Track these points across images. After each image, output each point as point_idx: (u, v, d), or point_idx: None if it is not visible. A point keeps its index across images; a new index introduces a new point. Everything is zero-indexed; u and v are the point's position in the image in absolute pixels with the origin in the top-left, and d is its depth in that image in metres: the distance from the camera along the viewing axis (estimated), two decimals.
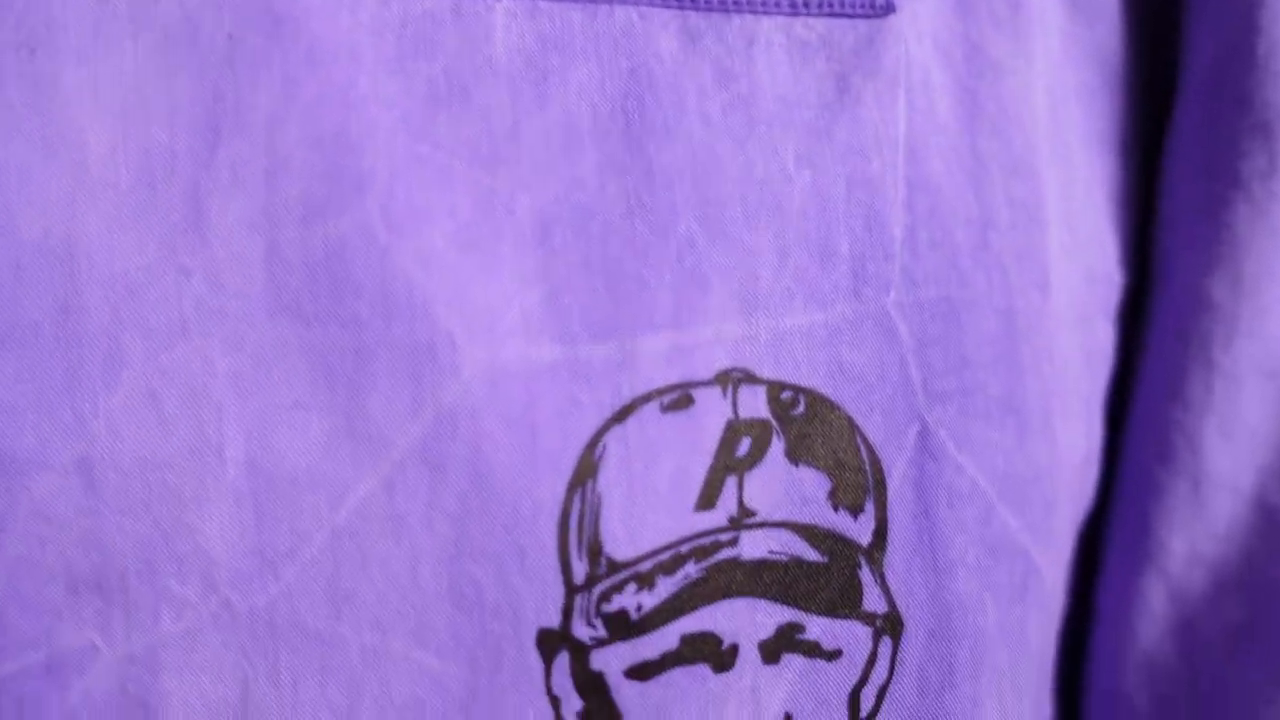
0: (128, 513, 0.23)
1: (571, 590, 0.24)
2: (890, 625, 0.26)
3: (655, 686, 0.24)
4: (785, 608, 0.25)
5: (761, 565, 0.24)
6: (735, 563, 0.24)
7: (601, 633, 0.24)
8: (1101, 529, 0.34)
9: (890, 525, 0.26)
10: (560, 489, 0.23)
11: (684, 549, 0.24)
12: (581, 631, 0.24)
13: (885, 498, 0.26)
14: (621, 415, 0.24)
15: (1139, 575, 0.34)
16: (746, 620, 0.25)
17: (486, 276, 0.23)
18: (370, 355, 0.23)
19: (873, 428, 0.26)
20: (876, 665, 0.26)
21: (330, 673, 0.24)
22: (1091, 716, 0.35)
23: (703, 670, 0.24)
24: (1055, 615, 0.33)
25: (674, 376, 0.24)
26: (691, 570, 0.24)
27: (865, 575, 0.26)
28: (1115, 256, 0.32)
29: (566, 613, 0.24)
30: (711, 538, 0.24)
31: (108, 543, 0.23)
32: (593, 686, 0.24)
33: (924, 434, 0.27)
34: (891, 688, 0.27)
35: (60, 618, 0.24)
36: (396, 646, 0.24)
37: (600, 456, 0.24)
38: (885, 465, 0.26)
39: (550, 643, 0.24)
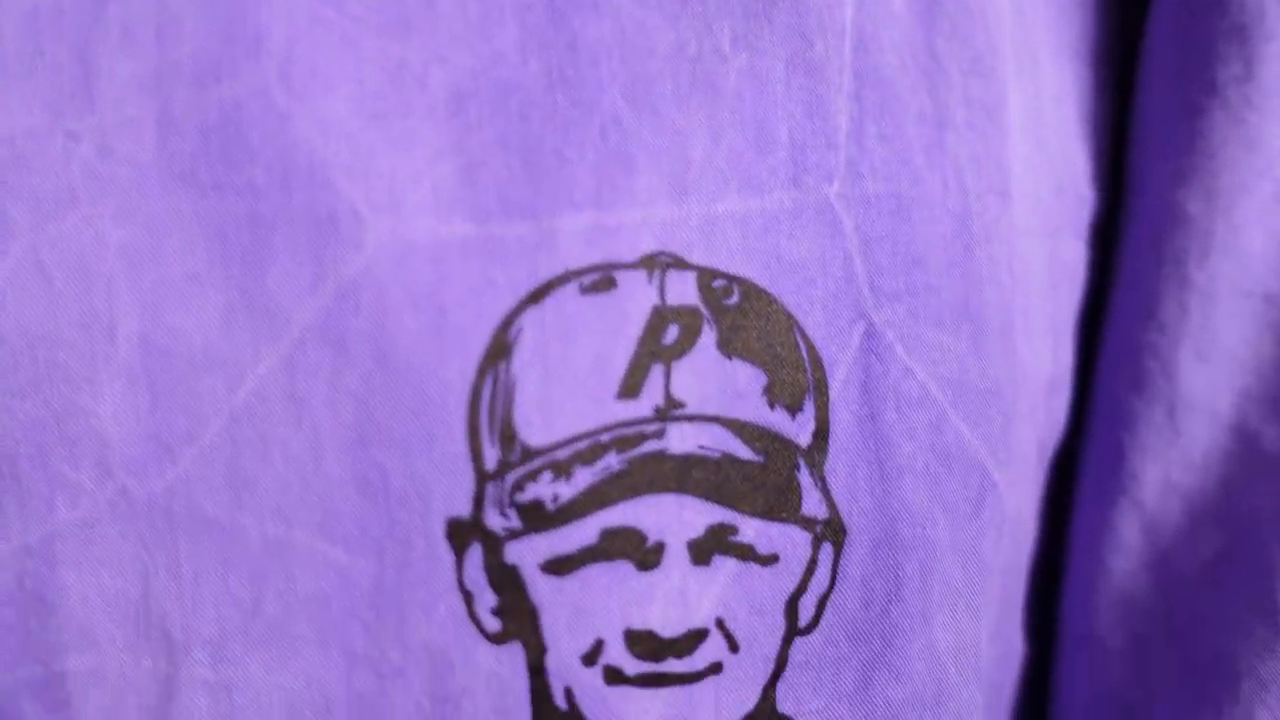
0: (16, 393, 0.22)
1: (483, 478, 0.23)
2: (832, 532, 0.25)
3: (573, 582, 0.23)
4: (717, 507, 0.24)
5: (690, 460, 0.23)
6: (661, 456, 0.23)
7: (515, 524, 0.23)
8: (1074, 463, 0.33)
9: (833, 428, 0.25)
10: (470, 371, 0.22)
11: (604, 438, 0.23)
12: (494, 522, 0.23)
13: (827, 398, 0.25)
14: (537, 295, 0.23)
15: (1112, 507, 0.32)
16: (673, 518, 0.23)
17: (394, 149, 0.22)
18: (269, 226, 0.22)
19: (813, 324, 0.25)
20: (816, 573, 0.25)
21: (232, 565, 0.23)
22: (1065, 659, 0.33)
23: (625, 567, 0.23)
24: (1021, 544, 0.31)
25: (595, 258, 0.23)
26: (613, 461, 0.23)
27: (804, 478, 0.25)
28: (1086, 173, 0.31)
29: (478, 502, 0.23)
30: (635, 428, 0.23)
31: None
32: (507, 581, 0.23)
33: (870, 334, 0.25)
34: (833, 598, 0.25)
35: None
36: (300, 537, 0.23)
37: (514, 338, 0.23)
38: (827, 364, 0.25)
39: (461, 534, 0.23)
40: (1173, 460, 0.31)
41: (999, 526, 0.28)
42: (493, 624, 0.23)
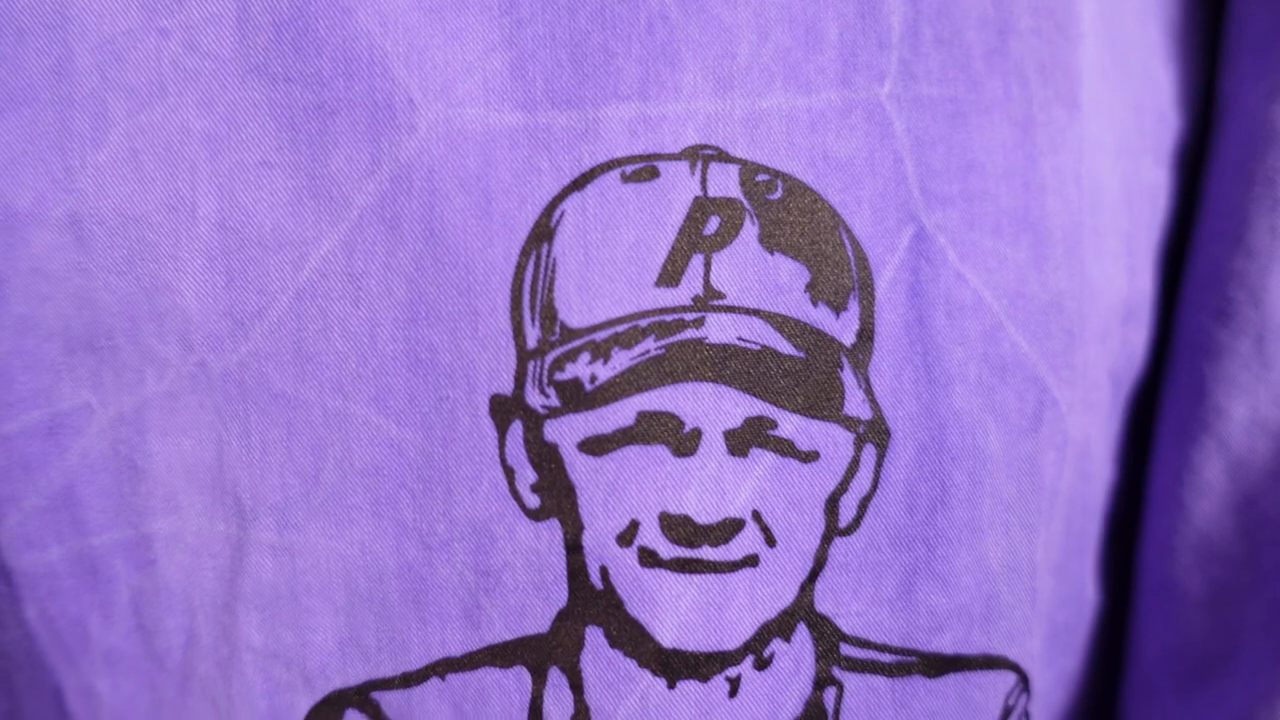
0: (113, 270, 0.24)
1: (524, 356, 0.24)
2: (875, 434, 0.25)
3: (610, 463, 0.24)
4: (755, 400, 0.24)
5: (729, 351, 0.24)
6: (699, 344, 0.24)
7: (554, 401, 0.24)
8: (1156, 404, 0.32)
9: (878, 329, 0.25)
10: (514, 252, 0.23)
11: (643, 323, 0.23)
12: (534, 399, 0.24)
13: (873, 299, 0.25)
14: (580, 182, 0.23)
15: (1194, 446, 0.31)
16: (711, 406, 0.24)
17: (448, 41, 0.23)
18: (332, 113, 0.23)
19: (860, 223, 0.25)
20: (859, 474, 0.25)
21: (296, 436, 0.24)
22: (1141, 609, 0.32)
23: (661, 452, 0.24)
24: (1093, 480, 0.30)
25: (639, 148, 0.23)
26: (650, 346, 0.23)
27: (848, 377, 0.25)
28: (1169, 95, 0.30)
29: (519, 379, 0.24)
30: (675, 315, 0.23)
31: (97, 301, 0.24)
32: (547, 458, 0.24)
33: (920, 237, 0.25)
34: (876, 500, 0.25)
35: (59, 377, 0.25)
36: (356, 410, 0.24)
37: (557, 222, 0.23)
38: (873, 264, 0.25)
39: (503, 410, 0.24)
40: (1261, 395, 0.30)
41: (1060, 447, 0.28)
42: (532, 500, 0.24)
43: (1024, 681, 0.27)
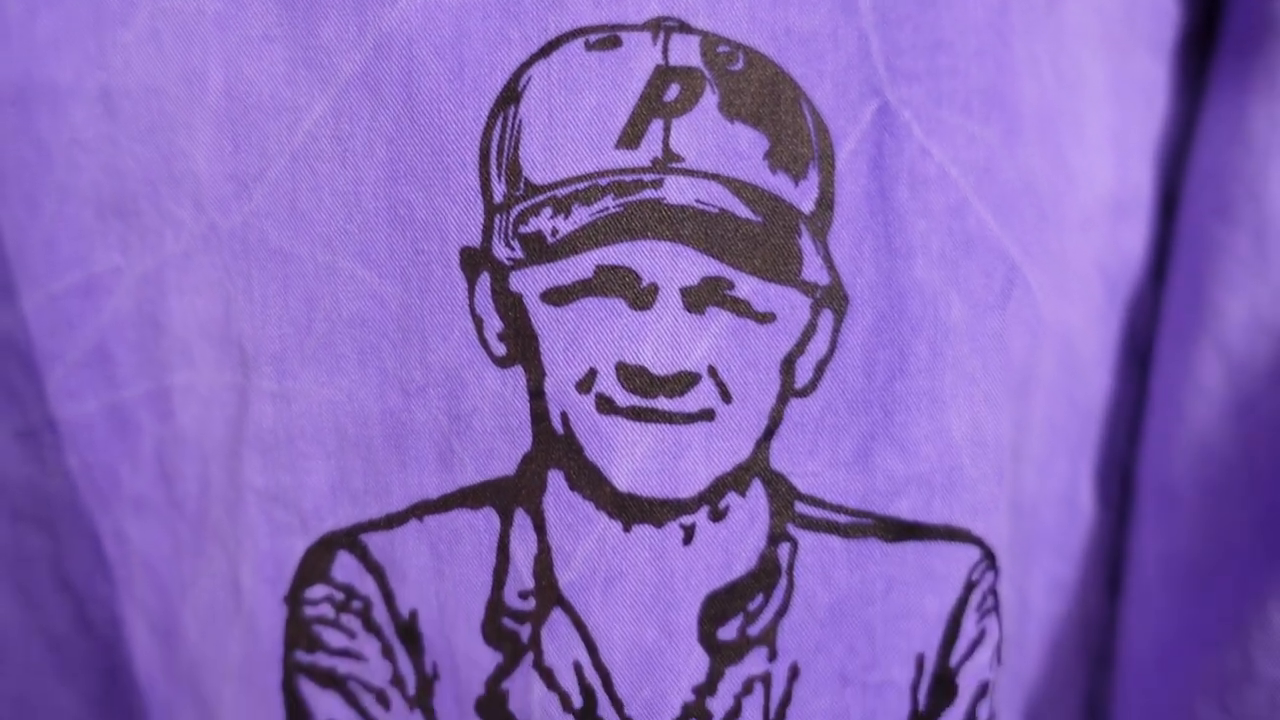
0: (137, 139, 0.27)
1: (491, 210, 0.25)
2: (832, 299, 0.26)
3: (570, 313, 0.25)
4: (712, 260, 0.25)
5: (686, 211, 0.25)
6: (658, 204, 0.25)
7: (519, 254, 0.25)
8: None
9: (839, 199, 0.26)
10: (483, 114, 0.25)
11: (603, 181, 0.25)
12: (501, 252, 0.25)
13: (832, 168, 0.26)
14: (546, 50, 0.25)
15: (1193, 347, 0.31)
16: (668, 264, 0.25)
17: None
18: None
19: (822, 96, 0.26)
20: (815, 338, 0.26)
21: (291, 289, 0.27)
22: (1137, 514, 0.32)
23: (619, 304, 0.25)
24: (1080, 378, 0.30)
25: (603, 19, 0.25)
26: (610, 204, 0.25)
27: (806, 243, 0.26)
28: None
29: (487, 232, 0.25)
30: (634, 176, 0.25)
31: (123, 168, 0.27)
32: (511, 308, 0.25)
33: (884, 111, 0.26)
34: (833, 364, 0.26)
35: (93, 241, 0.28)
36: (343, 264, 0.26)
37: (524, 86, 0.25)
38: (835, 136, 0.26)
39: (473, 262, 0.26)
40: (1260, 295, 0.30)
41: (1032, 329, 0.28)
42: (499, 348, 0.26)
43: (990, 559, 0.28)
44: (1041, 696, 0.33)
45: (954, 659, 0.28)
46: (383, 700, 0.29)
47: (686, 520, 0.26)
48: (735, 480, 0.26)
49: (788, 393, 0.26)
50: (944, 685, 0.28)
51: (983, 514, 0.28)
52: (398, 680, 0.28)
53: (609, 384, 0.25)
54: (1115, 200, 0.30)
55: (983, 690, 0.28)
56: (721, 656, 0.26)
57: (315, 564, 0.28)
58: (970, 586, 0.28)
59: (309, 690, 0.29)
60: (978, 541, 0.27)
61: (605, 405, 0.25)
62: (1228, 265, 0.30)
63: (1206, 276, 0.30)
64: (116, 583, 0.30)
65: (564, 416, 0.25)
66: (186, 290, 0.28)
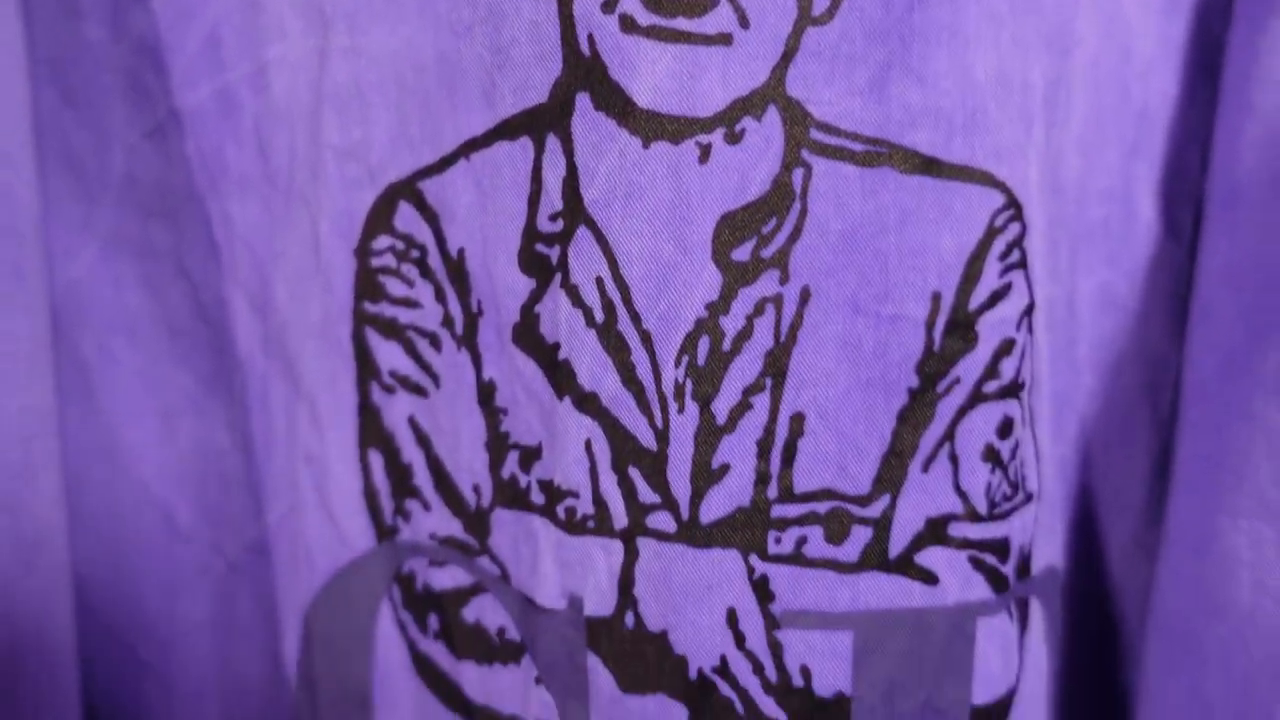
0: None
1: None
2: None
3: None
4: None
5: None
6: None
7: None
8: None
9: None
10: None
11: None
12: None
13: None
14: None
15: (1262, 35, 0.30)
16: None
17: None
18: None
19: None
20: None
21: None
22: (1206, 220, 0.31)
23: None
24: (1133, 55, 0.30)
25: None
26: None
27: None
28: None
29: None
30: None
31: None
32: None
33: None
34: None
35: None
36: None
37: None
38: None
39: None
40: None
41: None
42: None
43: (1015, 208, 0.28)
44: (1098, 430, 0.33)
45: (973, 304, 0.28)
46: (435, 343, 0.31)
47: (703, 139, 0.27)
48: (751, 104, 0.27)
49: (805, 20, 0.27)
50: (961, 329, 0.28)
51: (1007, 159, 0.28)
52: (448, 320, 0.31)
53: (632, 4, 0.27)
54: None
55: (1007, 347, 0.28)
56: (734, 276, 0.27)
57: (380, 216, 0.31)
58: (993, 232, 0.28)
59: (374, 340, 0.32)
60: (1001, 186, 0.28)
61: (628, 24, 0.27)
62: None
63: None
64: (223, 266, 0.34)
65: (590, 38, 0.27)
66: None
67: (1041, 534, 0.31)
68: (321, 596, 0.33)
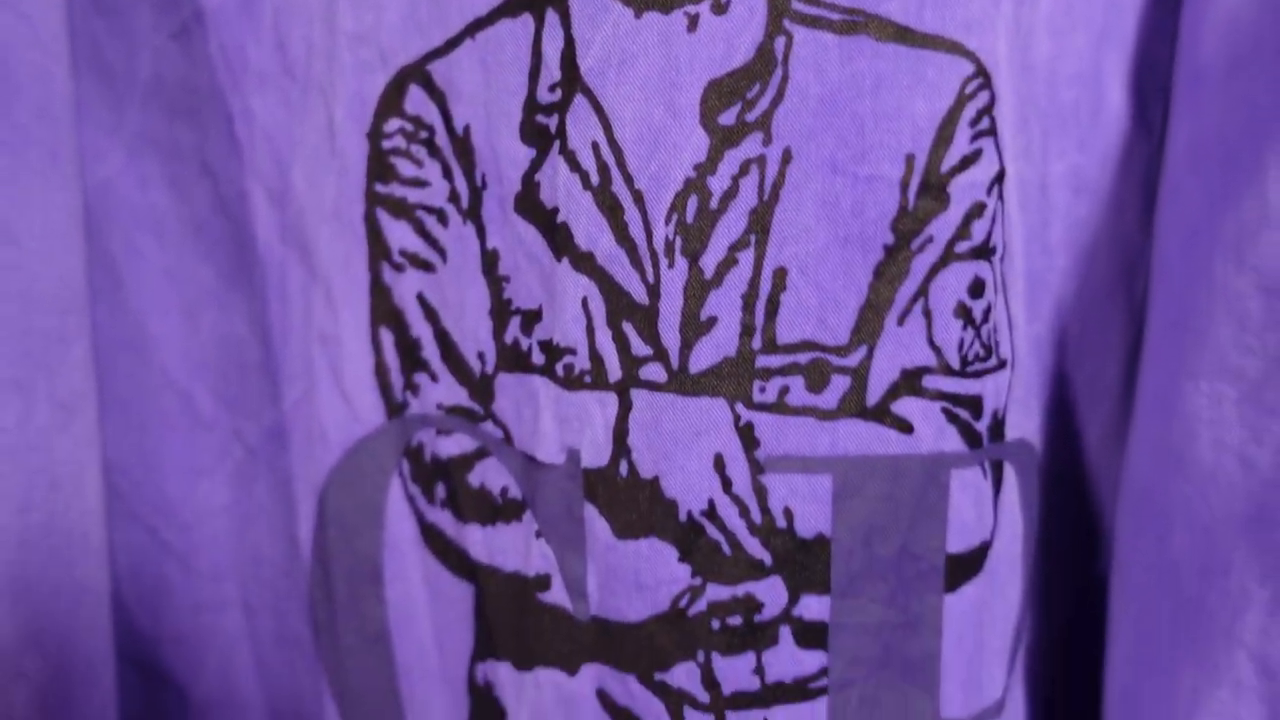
0: None
1: None
2: None
3: None
4: None
5: None
6: None
7: None
8: None
9: None
10: None
11: None
12: None
13: None
14: None
15: None
16: None
17: None
18: None
19: None
20: None
21: None
22: (1172, 111, 0.33)
23: None
24: None
25: None
26: None
27: None
28: None
29: None
30: None
31: None
32: None
33: None
34: None
35: None
36: None
37: None
38: None
39: None
40: None
41: None
42: None
43: (984, 77, 0.30)
44: (1074, 314, 0.34)
45: (944, 166, 0.30)
46: (442, 219, 0.33)
47: (691, 9, 0.29)
48: None
49: None
50: (933, 190, 0.29)
51: (976, 30, 0.29)
52: (454, 196, 0.33)
53: None
54: None
55: (978, 210, 0.30)
56: (721, 139, 0.29)
57: (391, 99, 0.33)
58: (963, 99, 0.30)
59: (385, 221, 0.34)
60: (970, 55, 0.29)
61: None
62: None
63: None
64: (244, 161, 0.36)
65: None
66: None
67: (1015, 406, 0.33)
68: (334, 475, 0.35)
